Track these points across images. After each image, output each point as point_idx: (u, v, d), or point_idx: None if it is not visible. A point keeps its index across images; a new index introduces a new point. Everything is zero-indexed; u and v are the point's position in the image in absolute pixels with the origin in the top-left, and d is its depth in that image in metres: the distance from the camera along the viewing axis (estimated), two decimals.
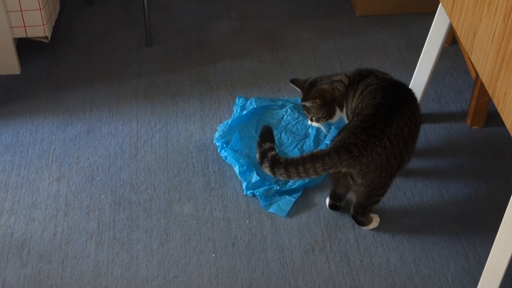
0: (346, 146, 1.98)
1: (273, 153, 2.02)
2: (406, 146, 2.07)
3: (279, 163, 2.00)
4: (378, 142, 1.98)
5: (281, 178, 2.07)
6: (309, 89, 2.25)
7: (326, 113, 2.22)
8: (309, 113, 2.26)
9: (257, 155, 2.05)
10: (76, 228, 2.18)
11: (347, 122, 2.20)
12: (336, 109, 2.22)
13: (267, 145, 2.04)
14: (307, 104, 2.22)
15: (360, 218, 2.16)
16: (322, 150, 2.01)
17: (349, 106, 2.19)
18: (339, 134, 2.06)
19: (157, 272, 2.06)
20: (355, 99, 2.17)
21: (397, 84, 2.17)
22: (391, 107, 2.05)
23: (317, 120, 2.26)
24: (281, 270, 2.07)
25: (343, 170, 2.00)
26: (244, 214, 2.23)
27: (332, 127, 2.45)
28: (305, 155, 2.00)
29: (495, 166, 2.39)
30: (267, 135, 2.08)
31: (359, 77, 2.20)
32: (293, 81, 2.34)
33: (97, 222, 2.20)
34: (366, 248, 2.12)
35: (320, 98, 2.20)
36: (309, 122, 2.29)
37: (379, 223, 2.19)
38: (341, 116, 2.26)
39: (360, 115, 2.05)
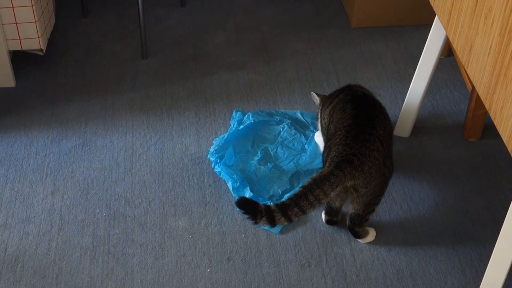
0: (345, 158, 1.97)
1: (272, 206, 1.94)
2: (389, 150, 2.09)
3: (288, 205, 1.92)
4: (372, 146, 1.99)
5: (298, 218, 1.94)
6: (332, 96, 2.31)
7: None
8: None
9: (265, 221, 1.93)
10: (70, 243, 2.17)
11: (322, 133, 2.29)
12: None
13: (260, 207, 1.93)
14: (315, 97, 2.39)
15: (357, 229, 2.14)
16: (322, 171, 1.97)
17: (323, 117, 2.27)
18: (330, 152, 2.03)
19: (152, 287, 2.04)
20: (328, 110, 2.24)
21: (362, 95, 2.22)
22: (366, 114, 2.09)
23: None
24: (277, 284, 2.05)
25: (349, 184, 1.97)
26: (240, 228, 2.21)
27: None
28: (306, 184, 1.94)
29: (491, 179, 2.38)
30: (248, 204, 1.96)
31: (337, 92, 2.28)
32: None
33: (92, 237, 2.19)
34: (362, 262, 2.11)
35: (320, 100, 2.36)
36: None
37: (376, 237, 2.18)
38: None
39: (341, 129, 2.06)
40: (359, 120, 2.07)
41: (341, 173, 1.94)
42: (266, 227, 2.19)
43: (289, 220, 1.93)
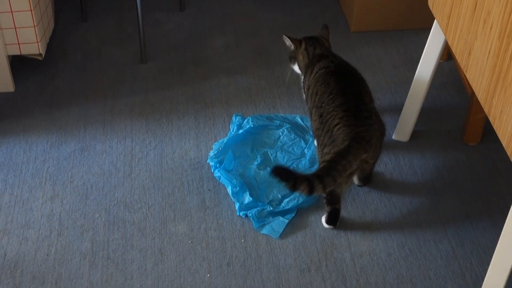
0: (355, 136, 2.08)
1: (308, 175, 2.00)
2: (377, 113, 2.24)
3: (321, 175, 2.00)
4: (371, 121, 2.13)
5: (330, 187, 2.05)
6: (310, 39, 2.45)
7: (292, 58, 2.46)
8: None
9: (305, 187, 1.98)
10: (69, 248, 2.16)
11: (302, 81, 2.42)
12: (294, 61, 2.46)
13: (298, 175, 2.00)
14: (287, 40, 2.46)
15: (369, 182, 2.35)
16: (340, 147, 2.07)
17: (306, 81, 2.37)
18: (334, 137, 2.12)
19: None
20: (311, 78, 2.33)
21: (342, 65, 2.34)
22: (352, 88, 2.22)
23: (290, 57, 2.49)
24: None
25: (363, 157, 2.10)
26: (239, 233, 2.21)
27: None
28: (330, 158, 2.05)
29: (491, 183, 2.38)
30: (284, 171, 2.03)
31: (317, 59, 2.36)
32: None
33: (91, 242, 2.18)
34: (362, 267, 2.11)
35: (295, 45, 2.45)
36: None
37: (375, 238, 2.17)
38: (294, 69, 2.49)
39: (336, 109, 2.15)
40: (349, 97, 2.18)
41: (358, 145, 2.07)
42: (266, 231, 2.19)
43: (325, 188, 2.02)
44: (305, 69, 2.40)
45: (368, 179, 2.35)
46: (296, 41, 2.45)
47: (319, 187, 1.99)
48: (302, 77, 2.44)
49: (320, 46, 2.43)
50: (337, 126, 2.12)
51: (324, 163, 2.06)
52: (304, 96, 2.43)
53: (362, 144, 2.08)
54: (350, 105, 2.15)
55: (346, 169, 2.04)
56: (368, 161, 2.16)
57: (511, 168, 2.41)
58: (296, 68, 2.47)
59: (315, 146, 2.43)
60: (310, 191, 1.99)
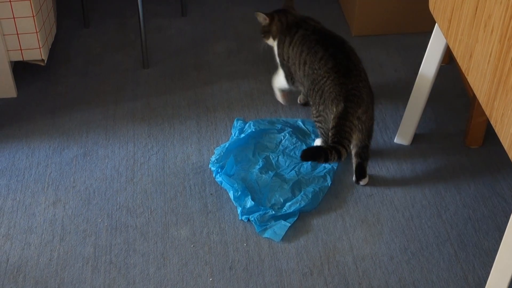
0: (348, 93, 2.27)
1: (329, 145, 2.24)
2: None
3: (339, 141, 2.22)
4: (360, 77, 2.31)
5: (348, 148, 2.26)
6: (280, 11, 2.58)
7: (266, 32, 2.58)
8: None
9: (334, 155, 2.21)
10: (72, 253, 2.17)
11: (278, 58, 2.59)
12: (269, 36, 2.59)
13: (324, 147, 2.27)
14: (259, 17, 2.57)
15: (366, 163, 2.37)
16: (338, 111, 2.25)
17: (285, 49, 2.51)
18: (325, 94, 2.31)
19: None
20: (292, 48, 2.48)
21: (321, 31, 2.49)
22: (339, 50, 2.37)
23: (261, 32, 2.61)
24: None
25: (358, 112, 2.27)
26: (242, 237, 2.21)
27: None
28: (334, 124, 2.25)
29: (493, 186, 2.38)
30: (312, 152, 2.27)
31: (296, 28, 2.49)
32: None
33: (94, 247, 2.18)
34: (364, 271, 2.11)
35: (269, 18, 2.56)
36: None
37: (377, 240, 2.17)
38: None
39: (328, 71, 2.32)
40: (338, 59, 2.33)
41: (352, 103, 2.25)
42: (268, 235, 2.19)
43: (346, 151, 2.23)
44: (280, 37, 2.54)
45: (366, 154, 2.37)
46: (269, 15, 2.56)
47: (343, 150, 2.21)
48: (276, 48, 2.59)
49: (291, 15, 2.56)
50: (332, 87, 2.29)
51: (332, 131, 2.25)
52: (278, 60, 2.60)
53: (354, 101, 2.26)
54: (340, 67, 2.31)
55: (352, 128, 2.26)
56: (361, 118, 2.28)
57: None
58: (270, 41, 2.60)
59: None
60: (340, 157, 2.21)
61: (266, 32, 2.59)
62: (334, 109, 2.27)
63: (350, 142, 2.26)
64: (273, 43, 2.60)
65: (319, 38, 2.42)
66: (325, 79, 2.32)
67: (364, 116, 2.29)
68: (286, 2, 2.65)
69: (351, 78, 2.29)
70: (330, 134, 2.27)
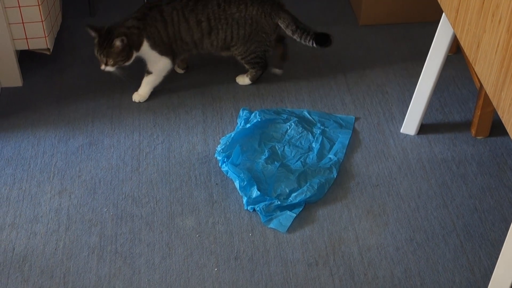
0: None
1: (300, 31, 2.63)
2: None
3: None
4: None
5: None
6: (107, 35, 2.52)
7: (125, 57, 2.55)
8: (108, 58, 2.54)
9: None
10: (78, 243, 2.17)
11: (149, 59, 2.64)
12: (133, 52, 2.57)
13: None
14: (112, 48, 2.52)
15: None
16: (280, 18, 2.63)
17: (168, 34, 2.60)
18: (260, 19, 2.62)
19: (160, 287, 2.04)
20: (177, 19, 2.59)
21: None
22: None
23: (114, 64, 2.56)
24: (284, 284, 2.05)
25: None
26: (247, 227, 2.21)
27: (336, 142, 2.45)
28: (295, 24, 2.63)
29: (500, 177, 2.37)
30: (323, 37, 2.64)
31: (155, 12, 2.57)
32: (90, 27, 2.56)
33: (99, 236, 2.19)
34: (370, 261, 2.10)
35: (121, 43, 2.51)
36: (103, 67, 2.57)
37: (380, 229, 2.17)
38: (138, 55, 2.62)
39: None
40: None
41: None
42: (273, 226, 2.19)
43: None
44: (144, 34, 2.57)
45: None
46: (121, 34, 2.54)
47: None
48: (148, 44, 2.60)
49: (124, 23, 2.59)
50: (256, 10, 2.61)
51: (297, 25, 2.62)
52: (157, 52, 2.63)
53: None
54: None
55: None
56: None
57: None
58: (140, 52, 2.61)
59: (318, 136, 2.47)
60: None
61: (126, 52, 2.56)
62: (278, 20, 2.61)
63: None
64: (141, 50, 2.60)
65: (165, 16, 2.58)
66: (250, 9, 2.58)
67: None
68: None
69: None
70: (298, 30, 2.60)
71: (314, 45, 2.63)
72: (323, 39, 2.63)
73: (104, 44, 2.52)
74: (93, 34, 2.54)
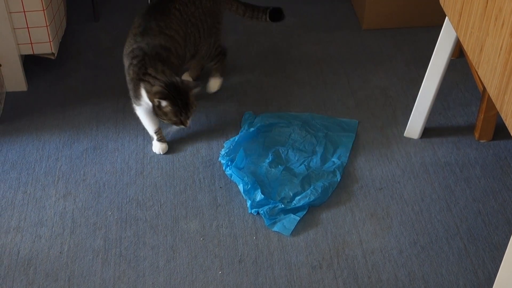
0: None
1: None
2: None
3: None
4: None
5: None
6: (177, 95, 2.32)
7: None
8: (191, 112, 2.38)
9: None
10: (82, 246, 2.18)
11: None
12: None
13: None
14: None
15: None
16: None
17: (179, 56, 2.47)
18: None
19: None
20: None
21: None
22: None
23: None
24: (288, 287, 2.05)
25: None
26: (251, 230, 2.21)
27: (340, 146, 2.46)
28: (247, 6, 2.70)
29: (503, 180, 2.37)
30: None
31: (150, 58, 2.40)
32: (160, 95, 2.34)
33: (104, 240, 2.19)
34: (374, 264, 2.11)
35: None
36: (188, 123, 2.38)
37: (381, 230, 2.17)
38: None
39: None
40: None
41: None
42: (277, 229, 2.19)
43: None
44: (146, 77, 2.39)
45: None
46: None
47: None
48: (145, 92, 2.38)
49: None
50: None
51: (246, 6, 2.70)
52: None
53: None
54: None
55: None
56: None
57: None
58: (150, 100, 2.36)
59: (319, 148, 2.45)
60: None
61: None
62: (226, 5, 2.69)
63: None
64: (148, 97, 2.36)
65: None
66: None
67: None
68: None
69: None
70: (248, 10, 2.68)
71: (268, 19, 2.70)
72: (276, 14, 2.69)
73: (184, 105, 2.34)
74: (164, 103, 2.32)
